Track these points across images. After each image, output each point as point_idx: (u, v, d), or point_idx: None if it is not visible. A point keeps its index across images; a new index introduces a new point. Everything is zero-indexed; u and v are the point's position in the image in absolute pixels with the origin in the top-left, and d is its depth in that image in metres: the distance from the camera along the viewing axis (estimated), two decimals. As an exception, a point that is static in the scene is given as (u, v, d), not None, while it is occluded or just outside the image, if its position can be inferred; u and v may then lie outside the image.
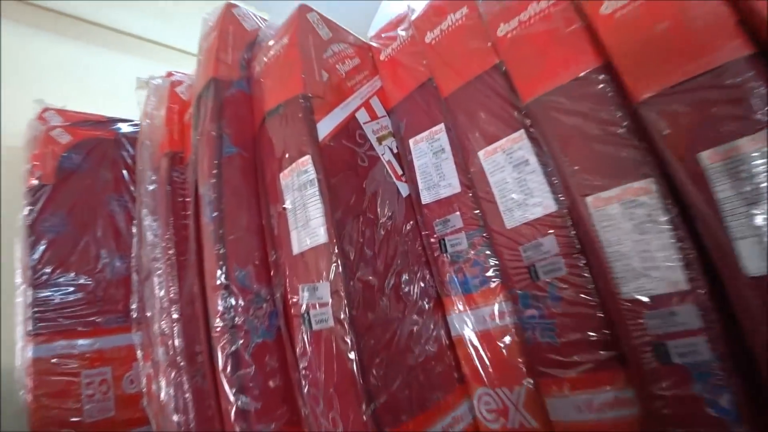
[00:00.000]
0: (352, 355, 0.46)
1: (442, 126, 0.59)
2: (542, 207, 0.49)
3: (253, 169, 0.62)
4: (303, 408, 0.49)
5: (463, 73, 0.55)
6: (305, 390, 0.49)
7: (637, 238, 0.42)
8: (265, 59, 0.62)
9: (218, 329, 0.52)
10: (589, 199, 0.44)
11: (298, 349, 0.50)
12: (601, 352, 0.45)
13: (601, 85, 0.45)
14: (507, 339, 0.52)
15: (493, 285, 0.53)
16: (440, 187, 0.58)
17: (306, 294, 0.50)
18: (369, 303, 0.51)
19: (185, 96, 0.77)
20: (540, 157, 0.49)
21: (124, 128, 0.94)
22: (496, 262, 0.53)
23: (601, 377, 0.45)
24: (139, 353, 0.75)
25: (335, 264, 0.49)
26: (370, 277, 0.52)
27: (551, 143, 0.47)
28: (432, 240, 0.58)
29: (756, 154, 0.36)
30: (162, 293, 0.64)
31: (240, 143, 0.62)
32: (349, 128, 0.59)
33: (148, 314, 0.69)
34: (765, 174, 0.35)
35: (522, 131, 0.51)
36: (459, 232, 0.56)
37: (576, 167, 0.45)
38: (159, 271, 0.66)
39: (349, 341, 0.47)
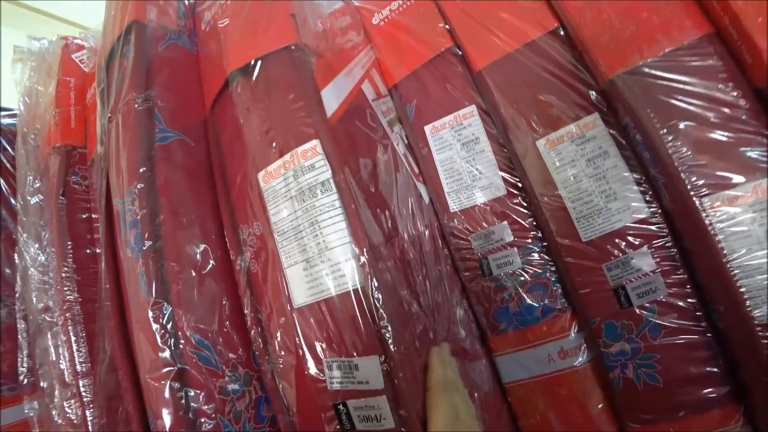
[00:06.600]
0: None
1: (473, 109, 0.45)
2: (630, 212, 0.38)
3: (205, 166, 0.42)
4: None
5: (507, 39, 0.42)
6: None
7: (769, 250, 0.33)
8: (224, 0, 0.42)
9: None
10: (706, 200, 0.35)
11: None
12: (714, 388, 0.36)
13: (713, 58, 0.35)
14: (582, 382, 0.41)
15: (561, 314, 0.42)
16: (475, 189, 0.45)
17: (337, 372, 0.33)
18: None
19: (87, 66, 0.52)
20: (622, 150, 0.39)
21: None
22: (564, 286, 0.42)
23: (713, 417, 0.36)
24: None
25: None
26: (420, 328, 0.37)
27: (652, 129, 0.36)
28: (467, 260, 0.45)
29: None
30: (63, 362, 0.41)
31: (180, 125, 0.41)
32: (359, 105, 0.42)
33: (44, 385, 0.45)
34: None
35: (597, 115, 0.40)
36: (508, 247, 0.43)
37: (694, 159, 0.35)
38: (55, 327, 0.42)
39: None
